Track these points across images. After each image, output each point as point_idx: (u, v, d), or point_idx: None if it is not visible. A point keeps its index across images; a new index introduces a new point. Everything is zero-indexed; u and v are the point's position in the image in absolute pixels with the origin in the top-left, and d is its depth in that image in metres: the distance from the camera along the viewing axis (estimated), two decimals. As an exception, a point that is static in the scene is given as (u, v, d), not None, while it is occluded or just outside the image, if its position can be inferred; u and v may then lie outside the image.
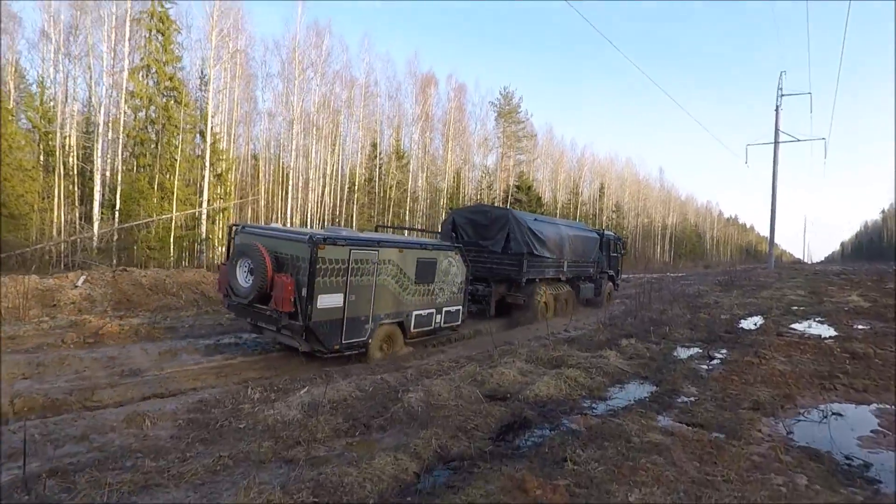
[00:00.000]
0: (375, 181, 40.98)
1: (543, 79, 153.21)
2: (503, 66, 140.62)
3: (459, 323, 9.96)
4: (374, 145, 41.59)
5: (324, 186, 38.11)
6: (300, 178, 36.16)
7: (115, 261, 25.05)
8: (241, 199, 33.03)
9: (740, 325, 11.45)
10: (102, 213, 25.12)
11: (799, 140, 43.30)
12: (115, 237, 25.68)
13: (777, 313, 13.68)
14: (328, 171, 39.17)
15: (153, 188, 27.98)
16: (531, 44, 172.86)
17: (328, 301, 7.00)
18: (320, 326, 6.99)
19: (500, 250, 12.69)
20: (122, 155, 26.02)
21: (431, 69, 45.34)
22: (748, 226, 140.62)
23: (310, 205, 36.64)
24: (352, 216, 39.09)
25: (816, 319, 12.89)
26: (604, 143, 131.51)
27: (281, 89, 35.50)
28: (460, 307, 9.84)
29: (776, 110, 43.94)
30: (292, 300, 6.83)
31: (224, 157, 31.93)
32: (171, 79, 28.58)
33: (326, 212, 38.18)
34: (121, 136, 26.16)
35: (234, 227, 8.34)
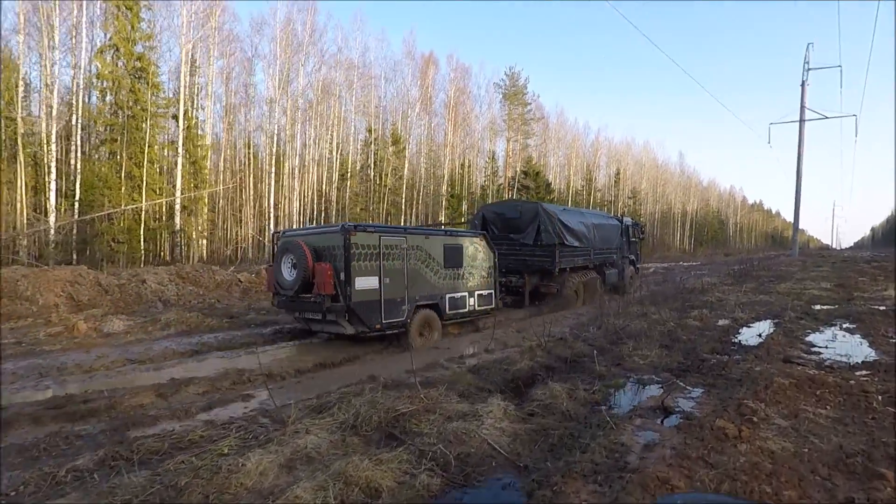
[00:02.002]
0: (371, 168, 38.18)
1: (553, 61, 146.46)
2: (509, 48, 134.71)
3: (494, 307, 10.20)
4: (369, 130, 38.76)
5: (313, 174, 35.49)
6: (286, 165, 33.62)
7: (74, 256, 22.96)
8: (219, 187, 30.62)
9: (737, 339, 8.27)
10: (59, 204, 22.97)
11: (827, 117, 38.95)
12: (75, 230, 23.55)
13: (792, 316, 10.41)
14: (318, 158, 36.55)
15: (120, 177, 25.76)
16: (539, 24, 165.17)
17: (365, 283, 7.49)
18: (360, 307, 7.43)
19: (532, 242, 12.88)
20: (80, 140, 23.73)
21: (432, 50, 42.16)
22: (773, 212, 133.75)
23: (296, 192, 34.11)
24: (344, 205, 36.45)
25: (844, 326, 9.61)
26: (619, 127, 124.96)
27: (269, 71, 32.83)
28: (492, 291, 10.14)
29: (802, 86, 39.55)
30: (333, 283, 7.31)
31: (201, 142, 29.54)
32: (139, 58, 26.18)
33: (316, 200, 35.62)
34: (79, 120, 23.89)
35: (276, 234, 8.81)
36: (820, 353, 7.14)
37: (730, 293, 14.59)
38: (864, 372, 5.69)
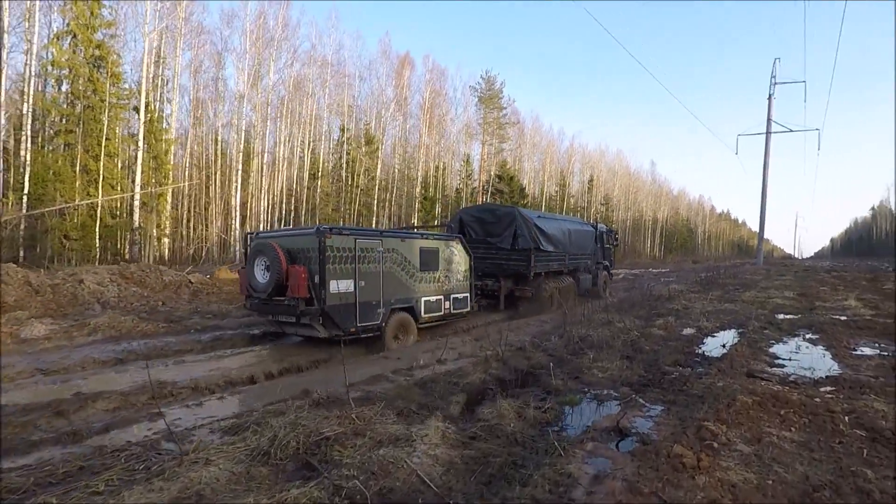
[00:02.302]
0: (343, 168, 37.40)
1: (529, 67, 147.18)
2: (485, 54, 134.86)
3: (469, 310, 10.20)
4: (342, 129, 38.00)
5: (283, 173, 34.57)
6: (255, 163, 32.66)
7: (21, 253, 21.71)
8: (182, 183, 29.52)
9: (701, 350, 7.97)
10: (5, 196, 21.66)
11: (792, 130, 39.82)
12: (23, 225, 22.28)
13: (756, 326, 10.23)
14: (289, 156, 35.65)
15: (75, 170, 24.52)
16: (515, 29, 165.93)
17: (340, 286, 7.41)
18: (335, 310, 7.36)
19: (509, 247, 12.95)
20: (30, 131, 22.46)
21: (408, 51, 41.62)
22: (740, 221, 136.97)
23: (264, 191, 33.14)
24: (314, 205, 35.62)
25: (807, 336, 9.44)
26: (593, 134, 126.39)
27: (238, 66, 31.83)
28: (468, 294, 10.14)
29: (769, 99, 40.37)
30: (307, 286, 7.22)
31: (162, 136, 28.40)
32: (98, 46, 25.02)
33: (285, 200, 34.70)
34: (30, 110, 22.62)
35: (248, 235, 8.74)
36: (784, 366, 6.87)
37: (696, 301, 14.44)
38: (828, 388, 5.39)
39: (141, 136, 26.24)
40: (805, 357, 7.62)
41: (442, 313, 9.52)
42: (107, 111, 25.13)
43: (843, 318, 11.57)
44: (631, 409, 4.82)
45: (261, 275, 7.78)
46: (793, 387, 5.36)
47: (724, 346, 8.26)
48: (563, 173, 59.59)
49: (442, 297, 9.49)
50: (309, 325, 7.54)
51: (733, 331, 9.99)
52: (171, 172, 29.99)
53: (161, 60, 29.46)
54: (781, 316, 12.14)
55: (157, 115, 28.05)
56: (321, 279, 7.20)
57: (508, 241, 13.07)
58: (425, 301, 9.08)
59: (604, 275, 18.21)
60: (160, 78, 29.33)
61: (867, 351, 7.93)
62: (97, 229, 24.62)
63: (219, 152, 35.14)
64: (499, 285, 12.93)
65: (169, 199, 29.88)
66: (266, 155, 33.75)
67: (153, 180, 28.11)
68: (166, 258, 28.85)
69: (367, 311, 7.90)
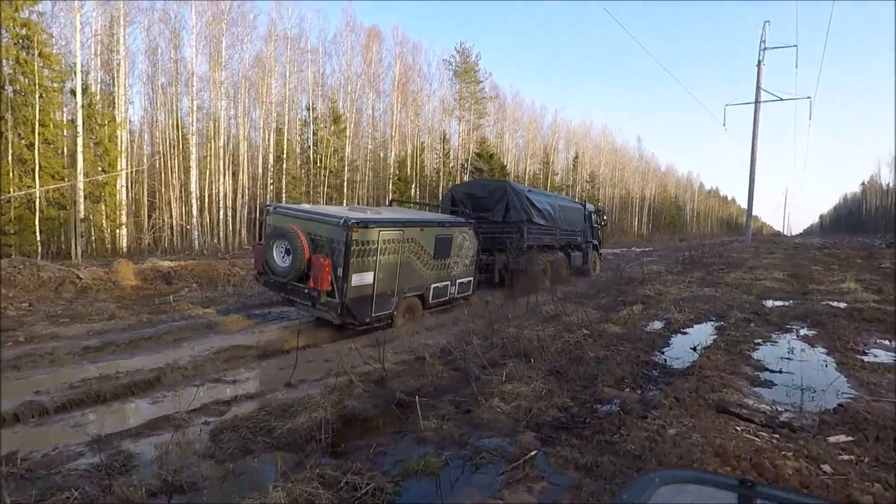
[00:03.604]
0: (311, 149, 35.08)
1: (507, 41, 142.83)
2: (459, 29, 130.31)
3: (471, 293, 10.31)
4: (308, 109, 35.57)
5: (246, 155, 32.24)
6: (213, 145, 30.32)
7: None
8: (128, 170, 27.17)
9: (662, 358, 6.01)
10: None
11: (782, 99, 37.63)
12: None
13: (739, 317, 8.29)
14: (251, 138, 33.30)
15: (6, 160, 22.16)
16: (492, 4, 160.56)
17: (360, 279, 7.26)
18: (354, 302, 7.24)
19: (501, 219, 12.85)
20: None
21: (375, 24, 38.99)
22: (729, 198, 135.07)
23: (225, 175, 30.86)
24: (281, 190, 33.35)
25: (801, 333, 7.49)
26: (578, 110, 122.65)
27: (192, 43, 29.27)
28: (471, 278, 10.24)
29: (758, 66, 38.10)
30: (330, 279, 7.02)
31: (106, 121, 26.00)
32: (25, 25, 22.51)
33: (249, 184, 32.43)
34: (-54, 92, 20.22)
35: (266, 208, 8.42)
36: (772, 385, 4.94)
37: (672, 284, 12.52)
38: (842, 439, 3.41)
39: (80, 121, 23.82)
40: (801, 367, 5.66)
41: (447, 297, 9.53)
42: (37, 95, 22.62)
43: (842, 304, 9.65)
44: (517, 486, 2.83)
45: (280, 258, 7.48)
46: (786, 437, 3.38)
47: (694, 348, 6.31)
48: (547, 150, 57.33)
49: (449, 282, 9.45)
50: (324, 311, 7.40)
51: (710, 324, 8.06)
52: (120, 159, 27.61)
53: (110, 39, 26.93)
54: (770, 303, 10.23)
55: (97, 98, 25.64)
56: (344, 272, 7.02)
57: (500, 215, 12.89)
58: (434, 287, 9.02)
59: (593, 254, 18.08)
60: (106, 57, 26.84)
61: (882, 356, 6.01)
62: (36, 222, 22.35)
63: (178, 137, 32.58)
64: (493, 259, 12.65)
65: (122, 187, 27.59)
66: (227, 137, 31.41)
67: (99, 168, 25.75)
68: (124, 249, 26.72)
69: (382, 302, 7.79)
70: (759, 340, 6.88)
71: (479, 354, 5.79)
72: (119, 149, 27.05)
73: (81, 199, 23.77)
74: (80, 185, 23.64)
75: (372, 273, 7.43)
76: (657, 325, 7.89)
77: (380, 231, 7.52)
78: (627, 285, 12.66)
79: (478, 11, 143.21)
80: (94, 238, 25.82)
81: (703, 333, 7.35)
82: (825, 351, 6.41)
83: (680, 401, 4.08)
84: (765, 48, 37.70)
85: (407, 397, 4.35)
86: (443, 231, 9.13)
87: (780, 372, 5.45)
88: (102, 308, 8.77)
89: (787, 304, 10.13)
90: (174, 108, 32.17)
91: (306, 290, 7.18)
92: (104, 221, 26.09)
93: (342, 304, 7.07)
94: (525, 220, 12.82)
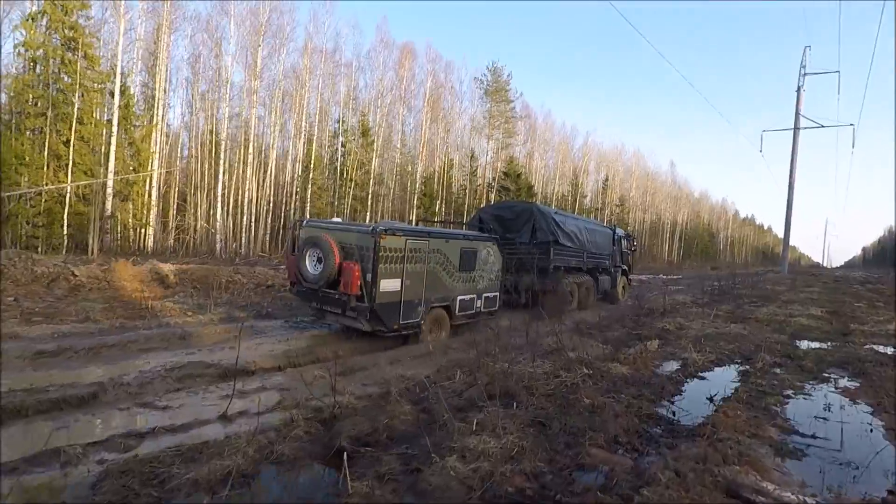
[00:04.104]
0: (338, 160, 34.99)
1: (541, 62, 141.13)
2: (494, 47, 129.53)
3: (496, 308, 10.24)
4: (339, 121, 35.56)
5: (275, 163, 32.32)
6: (243, 152, 30.47)
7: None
8: (158, 171, 27.41)
9: (670, 410, 5.08)
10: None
11: (823, 126, 35.80)
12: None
13: (768, 361, 7.25)
14: (281, 147, 33.43)
15: (42, 154, 22.55)
16: (527, 22, 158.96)
17: (389, 285, 7.42)
18: (382, 308, 7.37)
19: (528, 241, 12.78)
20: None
21: (410, 41, 38.92)
22: (765, 227, 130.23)
23: (254, 182, 30.94)
24: (305, 198, 33.25)
25: (840, 384, 6.43)
26: (609, 133, 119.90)
27: (232, 53, 29.61)
28: (497, 293, 10.19)
29: (798, 91, 36.44)
30: (360, 284, 7.21)
31: (140, 121, 26.37)
32: (72, 27, 23.04)
33: (276, 192, 32.44)
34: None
35: (298, 222, 8.76)
36: (801, 455, 3.99)
37: (696, 318, 11.43)
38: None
39: (115, 121, 24.20)
40: (839, 430, 4.67)
41: (474, 311, 9.53)
42: (77, 94, 23.02)
43: (890, 350, 8.47)
44: None
45: (312, 266, 7.71)
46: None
47: (710, 399, 5.36)
48: (577, 172, 56.16)
49: (475, 295, 9.48)
50: (354, 318, 7.51)
51: (733, 369, 7.04)
52: (153, 160, 27.96)
53: (156, 46, 27.46)
54: (805, 345, 9.10)
55: (135, 100, 26.05)
56: (373, 278, 7.22)
57: (527, 236, 12.87)
58: (460, 300, 9.08)
59: (622, 279, 17.72)
60: (149, 62, 27.36)
61: (942, 423, 4.92)
62: (65, 217, 22.61)
63: (213, 142, 32.80)
64: (519, 280, 12.52)
65: (152, 187, 27.90)
66: (257, 145, 31.58)
67: (131, 168, 26.06)
68: (149, 249, 26.90)
69: (410, 310, 7.89)
70: (790, 392, 5.86)
71: (458, 393, 5.00)
72: (152, 150, 27.40)
73: (110, 197, 24.01)
74: (110, 183, 23.90)
75: (399, 280, 7.59)
76: (672, 366, 6.93)
77: (406, 239, 7.72)
78: (646, 317, 11.64)
79: (512, 31, 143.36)
80: (119, 236, 26.09)
81: (723, 380, 6.36)
82: (870, 410, 5.37)
83: (681, 476, 3.20)
84: (805, 73, 36.08)
85: (350, 446, 3.59)
86: (468, 244, 9.27)
87: (814, 437, 4.47)
88: (85, 308, 8.33)
89: (824, 346, 8.98)
90: (211, 114, 32.49)
91: (336, 296, 7.43)
92: (130, 220, 26.36)
93: (371, 308, 7.24)
94: (552, 242, 12.68)
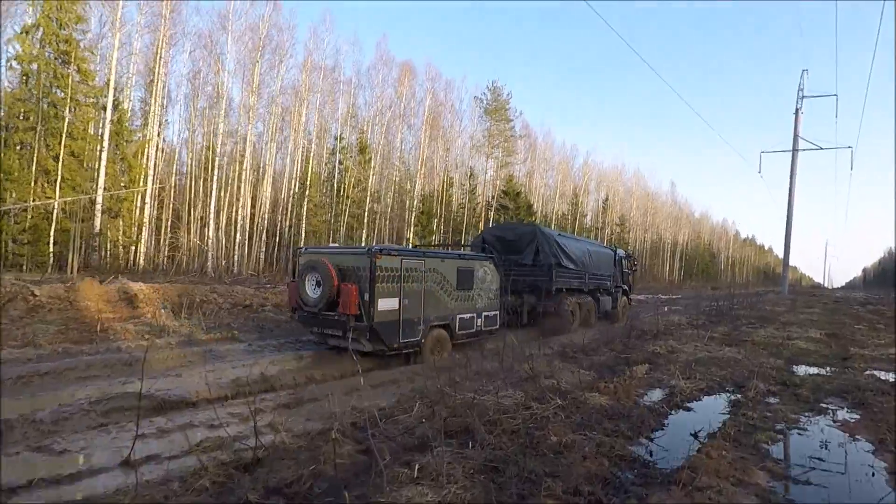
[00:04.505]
0: (335, 178, 34.74)
1: (541, 81, 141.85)
2: (494, 66, 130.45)
3: (497, 327, 10.21)
4: (337, 138, 35.40)
5: (272, 181, 32.05)
6: (239, 169, 30.23)
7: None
8: (149, 187, 27.11)
9: (647, 451, 4.52)
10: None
11: (822, 148, 35.55)
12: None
13: (761, 389, 6.70)
14: (278, 164, 33.20)
15: (30, 169, 22.26)
16: (529, 47, 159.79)
17: (386, 304, 7.51)
18: (382, 326, 7.46)
19: (531, 262, 12.89)
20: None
21: (409, 59, 38.96)
22: (766, 247, 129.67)
23: (249, 199, 30.63)
24: (301, 216, 32.92)
25: (839, 416, 5.86)
26: (609, 153, 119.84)
27: (230, 70, 29.55)
28: (497, 312, 10.22)
29: (796, 113, 36.28)
30: (357, 304, 7.31)
31: (130, 137, 26.17)
32: (66, 41, 22.96)
33: (273, 209, 32.10)
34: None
35: (297, 250, 8.78)
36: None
37: (690, 340, 10.87)
38: None
39: (106, 136, 23.99)
40: (836, 474, 4.11)
41: (474, 330, 9.55)
42: (68, 108, 22.82)
43: (892, 377, 7.90)
44: None
45: (311, 290, 7.80)
46: None
47: (695, 435, 4.81)
48: (577, 191, 55.86)
49: (475, 314, 9.53)
50: (355, 339, 7.53)
51: (724, 398, 6.48)
52: (148, 176, 27.70)
53: (155, 62, 27.41)
54: (802, 370, 8.53)
55: (128, 115, 25.89)
56: (370, 297, 7.31)
57: (530, 258, 12.96)
58: (460, 318, 9.12)
59: (623, 299, 17.74)
60: (148, 77, 27.29)
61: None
62: (51, 233, 22.21)
63: (208, 159, 32.61)
64: (521, 301, 12.63)
65: (145, 204, 27.61)
66: (253, 162, 31.37)
67: (122, 184, 25.76)
68: (141, 266, 26.48)
69: (409, 328, 7.95)
70: (783, 426, 5.30)
71: (410, 429, 4.47)
72: (145, 166, 27.14)
73: (99, 214, 23.64)
74: (99, 199, 23.55)
75: (397, 299, 7.66)
76: (657, 395, 6.37)
77: (402, 259, 7.83)
78: (638, 339, 11.08)
79: (513, 51, 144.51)
80: (108, 253, 25.67)
81: (711, 411, 5.80)
82: (871, 448, 4.81)
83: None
84: (803, 96, 35.98)
85: (259, 500, 3.06)
86: (464, 263, 9.34)
87: (808, 483, 3.92)
88: (36, 331, 7.83)
89: (822, 372, 8.41)
90: (209, 130, 32.34)
91: (336, 318, 7.49)
92: (120, 237, 25.96)
93: (370, 327, 7.31)
94: (554, 264, 12.74)
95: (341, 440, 4.07)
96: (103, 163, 23.98)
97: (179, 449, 3.80)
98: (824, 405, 6.27)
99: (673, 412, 5.67)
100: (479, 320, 9.64)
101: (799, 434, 5.12)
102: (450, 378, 5.75)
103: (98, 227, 23.91)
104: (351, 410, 4.91)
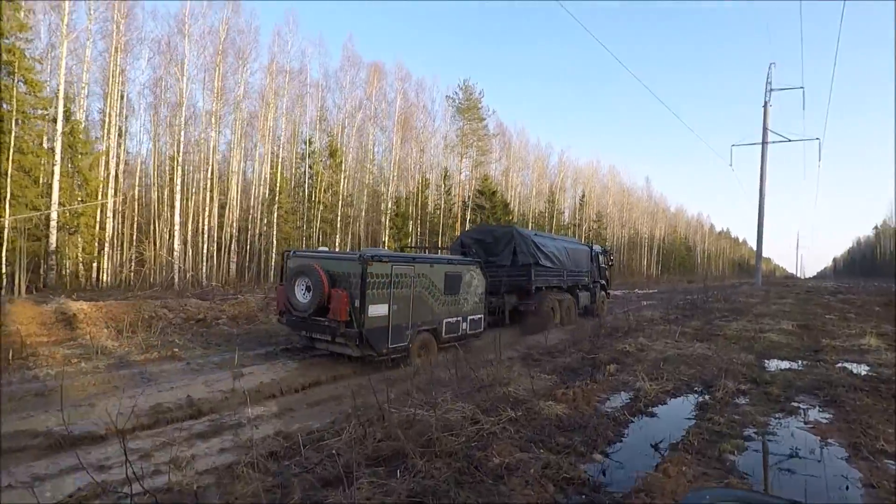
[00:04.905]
0: (305, 183, 33.95)
1: (515, 82, 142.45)
2: (467, 69, 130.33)
3: (482, 330, 10.38)
4: (307, 142, 34.61)
5: (238, 188, 31.15)
6: (203, 177, 29.29)
7: None
8: (107, 200, 26.05)
9: (599, 469, 4.05)
10: None
11: (790, 140, 35.94)
12: None
13: (731, 388, 6.33)
14: (245, 171, 32.30)
15: (-24, 187, 21.11)
16: (500, 45, 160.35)
17: (377, 311, 7.55)
18: (371, 333, 7.47)
19: (510, 263, 13.05)
20: None
21: (379, 61, 38.32)
22: (741, 240, 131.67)
23: (215, 208, 29.68)
24: (272, 223, 32.06)
25: (810, 416, 5.50)
26: (585, 150, 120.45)
27: (190, 75, 28.57)
28: (482, 315, 10.35)
29: (764, 107, 36.67)
30: (348, 310, 7.33)
31: (86, 149, 25.10)
32: (9, 51, 21.85)
33: (241, 217, 31.18)
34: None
35: (286, 253, 8.69)
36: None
37: (661, 337, 10.53)
38: None
39: (58, 150, 22.86)
40: (806, 485, 3.71)
41: (459, 333, 9.63)
42: (14, 121, 21.72)
43: (864, 369, 7.63)
44: None
45: (301, 294, 7.77)
46: None
47: (655, 446, 4.37)
48: (553, 189, 55.82)
49: (460, 318, 9.60)
50: (344, 344, 7.57)
51: (691, 400, 6.09)
52: (104, 189, 26.62)
53: (113, 68, 26.36)
54: (774, 365, 8.23)
55: (81, 125, 24.80)
56: (361, 303, 7.31)
57: (508, 258, 13.10)
58: (447, 322, 9.20)
59: (601, 294, 18.09)
60: (105, 88, 26.22)
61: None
62: (2, 254, 21.07)
63: (174, 168, 31.51)
64: (502, 301, 12.73)
65: (106, 218, 26.51)
66: (217, 169, 30.45)
67: (78, 199, 24.66)
68: (105, 283, 25.43)
69: (398, 334, 7.98)
70: (751, 432, 4.91)
71: (334, 456, 3.94)
72: (101, 179, 26.07)
73: (54, 231, 22.57)
74: (54, 216, 22.49)
75: (387, 305, 7.70)
76: (620, 399, 5.95)
77: (392, 265, 7.86)
78: (608, 337, 10.71)
79: (485, 51, 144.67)
80: (68, 271, 24.52)
81: (676, 416, 5.40)
82: (844, 454, 4.43)
83: None
84: (771, 89, 36.35)
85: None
86: (452, 268, 9.44)
87: (777, 499, 3.50)
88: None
89: (794, 366, 8.11)
90: (169, 139, 31.32)
91: (326, 323, 7.47)
92: (80, 254, 24.84)
93: (360, 333, 7.32)
94: (532, 264, 12.95)
95: (249, 476, 3.53)
96: (56, 177, 22.88)
97: (67, 490, 3.22)
98: (795, 404, 5.92)
99: (635, 419, 5.24)
100: (464, 324, 9.74)
101: (769, 440, 4.73)
102: (400, 391, 5.24)
103: (54, 245, 22.82)
104: (274, 436, 4.37)
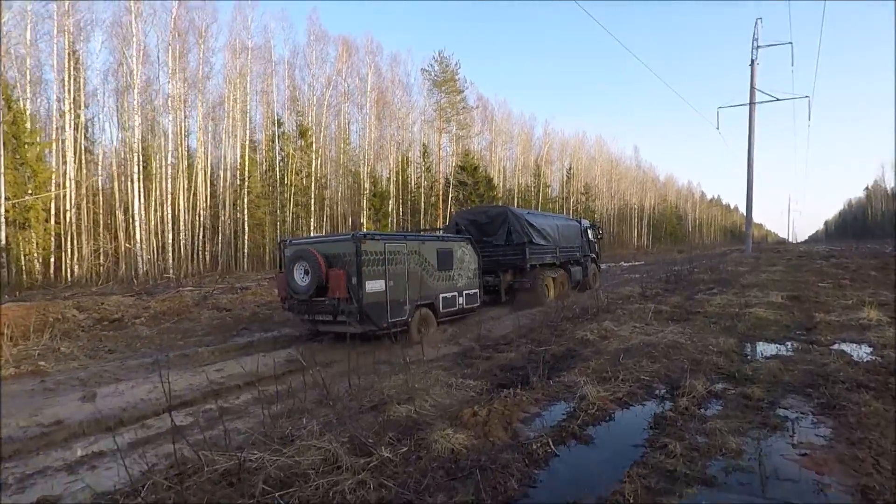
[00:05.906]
0: (277, 166, 32.17)
1: (494, 49, 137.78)
2: (443, 40, 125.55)
3: (478, 304, 10.75)
4: (276, 123, 32.73)
5: (206, 173, 29.38)
6: (163, 162, 27.53)
7: None
8: (57, 191, 24.32)
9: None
10: None
11: (778, 99, 34.13)
12: None
13: (699, 393, 4.89)
14: (212, 155, 30.51)
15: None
16: (475, 13, 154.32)
17: (374, 286, 7.85)
18: (370, 308, 7.77)
19: (504, 242, 13.36)
20: None
21: (347, 34, 36.19)
22: (732, 206, 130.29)
23: (181, 195, 27.97)
24: (243, 209, 30.42)
25: (802, 434, 4.07)
26: (570, 121, 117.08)
27: (140, 55, 26.58)
28: (477, 290, 10.71)
29: (751, 65, 34.69)
30: (346, 287, 7.65)
31: (34, 139, 23.29)
32: (-60, 37, 19.93)
33: (209, 204, 29.46)
34: None
35: (282, 242, 9.00)
36: None
37: (630, 319, 9.10)
38: None
39: (0, 140, 21.05)
40: None
41: (457, 308, 9.89)
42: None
43: (865, 352, 6.21)
44: None
45: (300, 278, 8.04)
46: None
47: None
48: (539, 162, 53.99)
49: (456, 293, 9.89)
50: (345, 322, 7.77)
51: (646, 410, 4.65)
52: (58, 181, 24.89)
53: (68, 56, 24.39)
54: (759, 350, 6.80)
55: (25, 114, 22.94)
56: (358, 280, 7.60)
57: (503, 238, 13.36)
58: (443, 297, 9.46)
59: (593, 267, 18.31)
60: (58, 72, 24.25)
61: None
62: (-54, 251, 19.49)
63: (131, 157, 29.60)
64: (499, 280, 13.14)
65: (66, 210, 24.83)
66: (181, 155, 28.66)
67: (27, 191, 22.93)
68: (66, 279, 23.89)
69: (396, 308, 8.27)
70: (717, 468, 3.45)
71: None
72: (53, 169, 24.35)
73: (2, 226, 20.95)
74: (1, 210, 20.84)
75: (383, 281, 8.01)
76: (554, 414, 4.51)
77: (385, 243, 8.20)
78: (572, 321, 9.28)
79: (461, 23, 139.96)
80: (23, 269, 22.91)
81: (618, 443, 3.95)
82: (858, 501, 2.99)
83: None
84: (758, 46, 34.37)
85: None
86: (443, 245, 9.79)
87: None
88: None
89: (782, 351, 6.68)
90: (130, 125, 29.38)
91: (327, 302, 7.81)
92: (33, 250, 23.24)
93: (360, 309, 7.58)
94: (526, 242, 13.15)
95: None
96: (0, 170, 21.12)
97: None
98: (782, 411, 4.48)
99: (561, 449, 3.79)
100: (460, 299, 10.03)
101: (739, 483, 3.27)
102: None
103: (3, 241, 21.19)
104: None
